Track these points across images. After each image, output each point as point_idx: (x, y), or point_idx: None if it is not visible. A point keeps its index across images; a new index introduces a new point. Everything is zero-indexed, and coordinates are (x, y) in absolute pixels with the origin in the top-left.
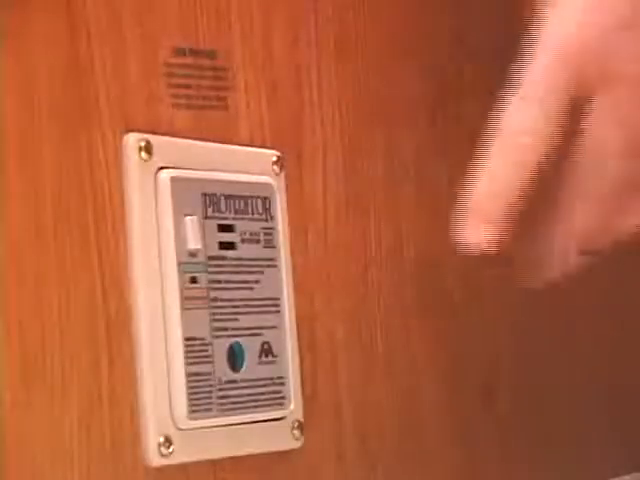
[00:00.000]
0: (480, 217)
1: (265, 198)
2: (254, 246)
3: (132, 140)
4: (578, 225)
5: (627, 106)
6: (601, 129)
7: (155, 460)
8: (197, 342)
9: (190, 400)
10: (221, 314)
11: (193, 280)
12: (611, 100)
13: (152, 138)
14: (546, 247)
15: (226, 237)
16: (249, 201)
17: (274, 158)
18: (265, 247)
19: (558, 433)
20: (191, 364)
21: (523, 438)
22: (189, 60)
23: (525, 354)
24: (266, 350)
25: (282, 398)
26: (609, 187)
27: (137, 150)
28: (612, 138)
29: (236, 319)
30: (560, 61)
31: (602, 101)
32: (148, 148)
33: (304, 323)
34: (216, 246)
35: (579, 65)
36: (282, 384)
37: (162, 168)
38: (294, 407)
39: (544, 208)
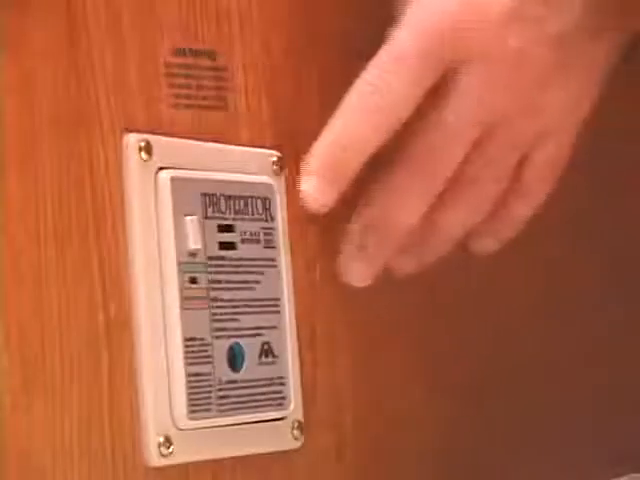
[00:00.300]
0: (317, 170)
1: (265, 198)
2: (254, 246)
3: (132, 140)
4: (396, 215)
5: (486, 86)
6: (460, 107)
7: (155, 460)
8: (197, 342)
9: (190, 400)
10: (221, 314)
11: (193, 280)
12: (475, 78)
13: (152, 138)
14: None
15: (226, 237)
16: (249, 201)
17: (274, 158)
18: (265, 247)
19: (555, 433)
20: (191, 364)
21: (517, 439)
22: (189, 60)
23: (517, 354)
24: (266, 350)
25: (282, 398)
26: (443, 175)
27: (137, 150)
28: (469, 120)
29: (236, 319)
30: (433, 32)
31: (466, 79)
32: (148, 148)
33: (304, 323)
34: (216, 246)
35: (450, 39)
36: (282, 384)
37: (162, 168)
38: (294, 407)
39: (376, 186)
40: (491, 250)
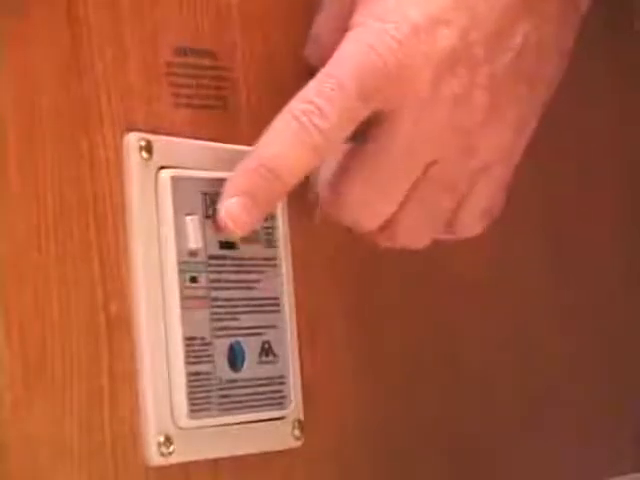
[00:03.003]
0: (244, 191)
1: None
2: (254, 245)
3: (132, 140)
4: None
5: (419, 131)
6: (390, 152)
7: (155, 459)
8: (197, 342)
9: (190, 400)
10: (221, 314)
11: (193, 279)
12: (408, 122)
13: (152, 138)
14: None
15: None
16: None
17: None
18: (266, 247)
19: (556, 432)
20: (191, 363)
21: (517, 439)
22: (189, 60)
23: (525, 350)
24: (266, 349)
25: (282, 397)
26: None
27: (137, 150)
28: (400, 165)
29: (236, 318)
30: (378, 70)
31: (398, 122)
32: (148, 148)
33: (304, 323)
34: (216, 245)
35: (394, 79)
36: (282, 383)
37: (162, 167)
38: (294, 406)
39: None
40: None
